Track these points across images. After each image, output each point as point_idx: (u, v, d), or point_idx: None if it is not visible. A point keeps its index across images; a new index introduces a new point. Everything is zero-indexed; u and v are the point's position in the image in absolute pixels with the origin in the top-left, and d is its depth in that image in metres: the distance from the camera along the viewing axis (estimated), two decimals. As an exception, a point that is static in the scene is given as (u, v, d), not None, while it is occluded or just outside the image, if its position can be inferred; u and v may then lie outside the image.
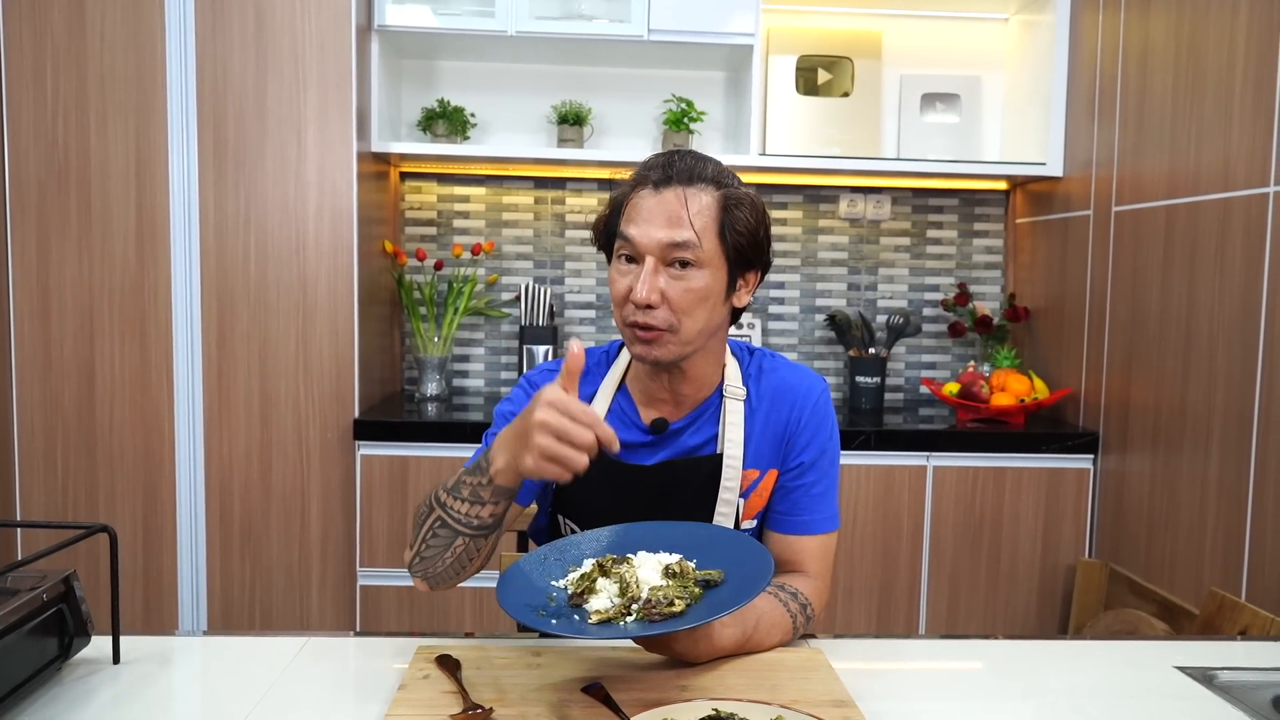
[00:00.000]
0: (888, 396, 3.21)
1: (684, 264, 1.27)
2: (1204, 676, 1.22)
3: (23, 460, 2.56)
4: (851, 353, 3.08)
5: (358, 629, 2.63)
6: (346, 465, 2.60)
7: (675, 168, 1.30)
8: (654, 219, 1.27)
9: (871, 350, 3.07)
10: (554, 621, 1.06)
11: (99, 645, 1.19)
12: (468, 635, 1.30)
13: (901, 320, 3.07)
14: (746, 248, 1.32)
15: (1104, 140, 2.64)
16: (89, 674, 1.15)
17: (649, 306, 1.27)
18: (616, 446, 1.07)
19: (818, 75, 3.02)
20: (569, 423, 1.04)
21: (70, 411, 2.56)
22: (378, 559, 2.60)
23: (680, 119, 2.97)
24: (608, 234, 1.37)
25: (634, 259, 1.30)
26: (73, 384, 2.55)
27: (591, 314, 3.18)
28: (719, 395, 1.41)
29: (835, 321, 3.11)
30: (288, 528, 2.61)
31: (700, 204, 1.28)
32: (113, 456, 2.57)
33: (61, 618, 1.12)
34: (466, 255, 3.08)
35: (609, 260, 1.38)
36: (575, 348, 1.09)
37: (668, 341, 1.29)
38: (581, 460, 1.05)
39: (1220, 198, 2.16)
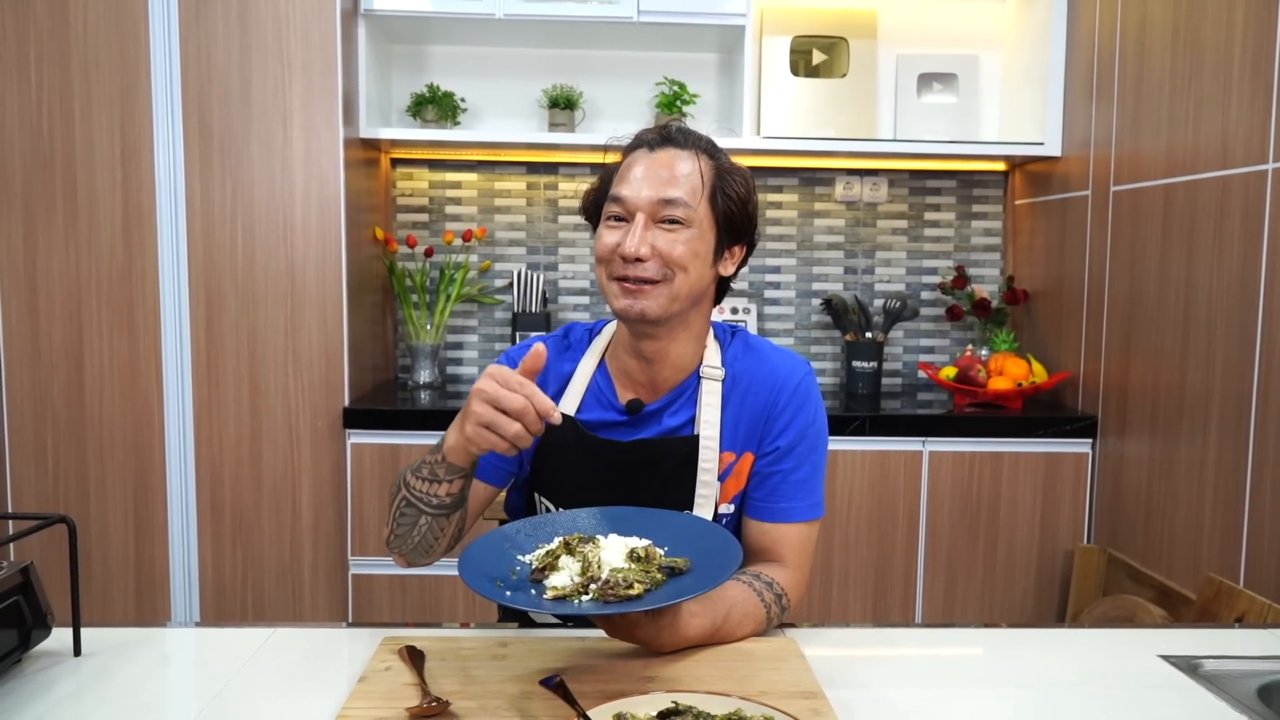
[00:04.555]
0: (884, 381, 3.17)
1: (674, 221, 1.29)
2: (1188, 666, 1.19)
3: (13, 451, 2.56)
4: (848, 337, 3.04)
5: (350, 618, 2.62)
6: (337, 454, 2.58)
7: (670, 131, 1.33)
8: (646, 178, 1.29)
9: (868, 334, 3.04)
10: (508, 594, 1.05)
11: (61, 637, 1.18)
12: (426, 624, 1.28)
13: (898, 304, 3.04)
14: (736, 216, 1.34)
15: (1102, 119, 2.60)
16: (49, 666, 1.14)
17: (638, 260, 1.27)
18: (556, 417, 1.07)
19: (812, 56, 2.98)
20: (502, 390, 1.07)
21: (59, 402, 2.55)
22: (369, 548, 2.59)
23: (673, 101, 2.93)
24: (597, 203, 1.37)
25: (623, 218, 1.30)
26: (61, 374, 2.54)
27: (585, 300, 3.15)
28: (697, 376, 1.39)
29: (831, 306, 3.08)
30: (279, 517, 2.59)
31: (694, 166, 1.31)
32: (103, 447, 2.56)
33: (19, 609, 1.11)
34: (458, 242, 3.06)
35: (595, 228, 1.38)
36: (540, 348, 1.12)
37: (658, 294, 1.29)
38: (512, 426, 1.06)
39: (1218, 175, 2.12)
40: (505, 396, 1.06)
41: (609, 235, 1.31)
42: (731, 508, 1.39)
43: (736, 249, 1.38)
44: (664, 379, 1.38)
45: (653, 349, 1.35)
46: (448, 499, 1.19)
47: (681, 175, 1.30)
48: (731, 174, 1.34)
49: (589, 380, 1.41)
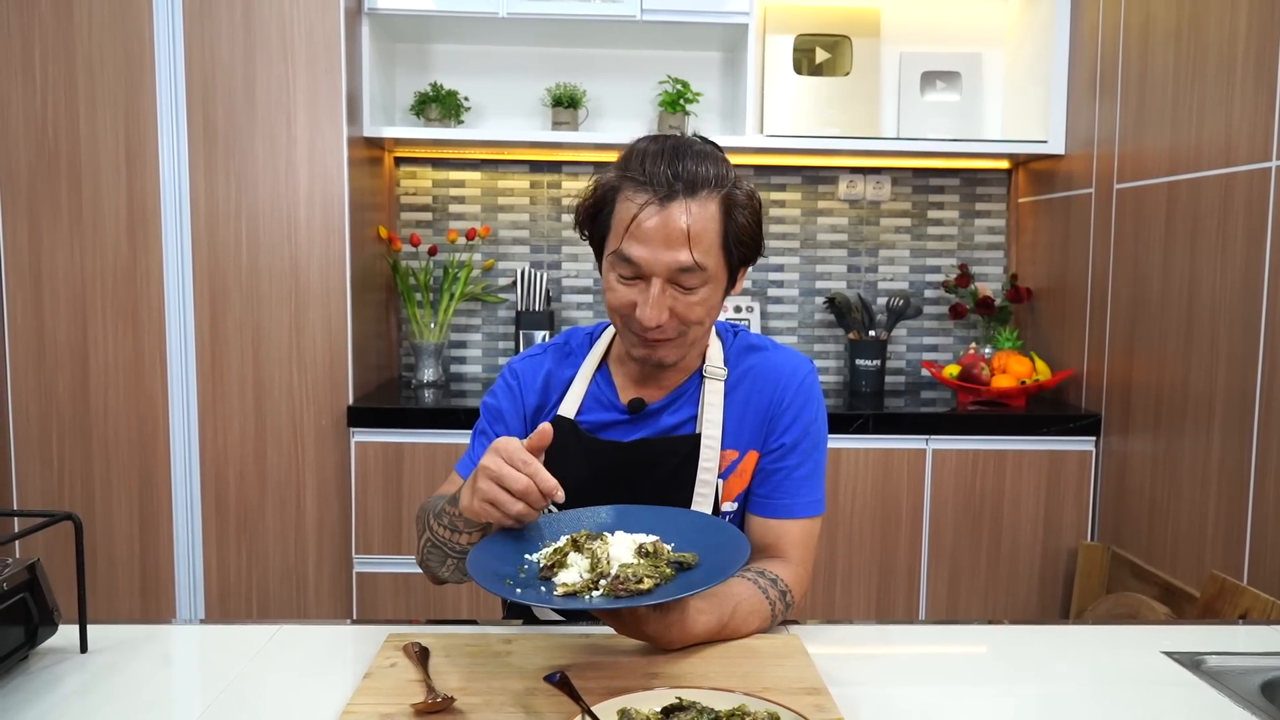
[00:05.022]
0: (888, 379, 3.17)
1: (690, 283, 1.26)
2: (1191, 662, 1.19)
3: (18, 449, 2.56)
4: (851, 336, 3.05)
5: (355, 616, 2.63)
6: (341, 452, 2.59)
7: (680, 180, 1.23)
8: (660, 240, 1.23)
9: (871, 333, 3.04)
10: (519, 591, 1.05)
11: (67, 634, 1.18)
12: (432, 621, 1.29)
13: (902, 302, 3.04)
14: (747, 247, 1.32)
15: (1105, 117, 2.60)
16: (55, 663, 1.14)
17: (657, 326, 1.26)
18: (560, 495, 1.08)
19: (815, 54, 2.98)
20: (506, 468, 1.08)
21: (65, 400, 2.56)
22: (373, 546, 2.59)
23: (676, 100, 2.93)
24: (597, 231, 1.32)
25: (636, 273, 1.27)
26: (67, 372, 2.55)
27: (588, 298, 3.15)
28: (699, 375, 1.40)
29: (835, 304, 3.08)
30: (283, 515, 2.60)
31: (705, 217, 1.24)
32: (108, 444, 2.57)
33: (26, 606, 1.11)
34: (462, 240, 3.06)
35: (594, 249, 1.35)
36: (546, 428, 1.12)
37: (676, 345, 1.30)
38: (515, 505, 1.08)
39: (1222, 173, 2.12)
40: (509, 476, 1.07)
41: (623, 291, 1.27)
42: (735, 506, 1.39)
43: (743, 270, 1.36)
44: (668, 379, 1.39)
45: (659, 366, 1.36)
46: (469, 546, 1.21)
47: (696, 232, 1.23)
48: (740, 207, 1.28)
49: (589, 382, 1.41)
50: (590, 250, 1.36)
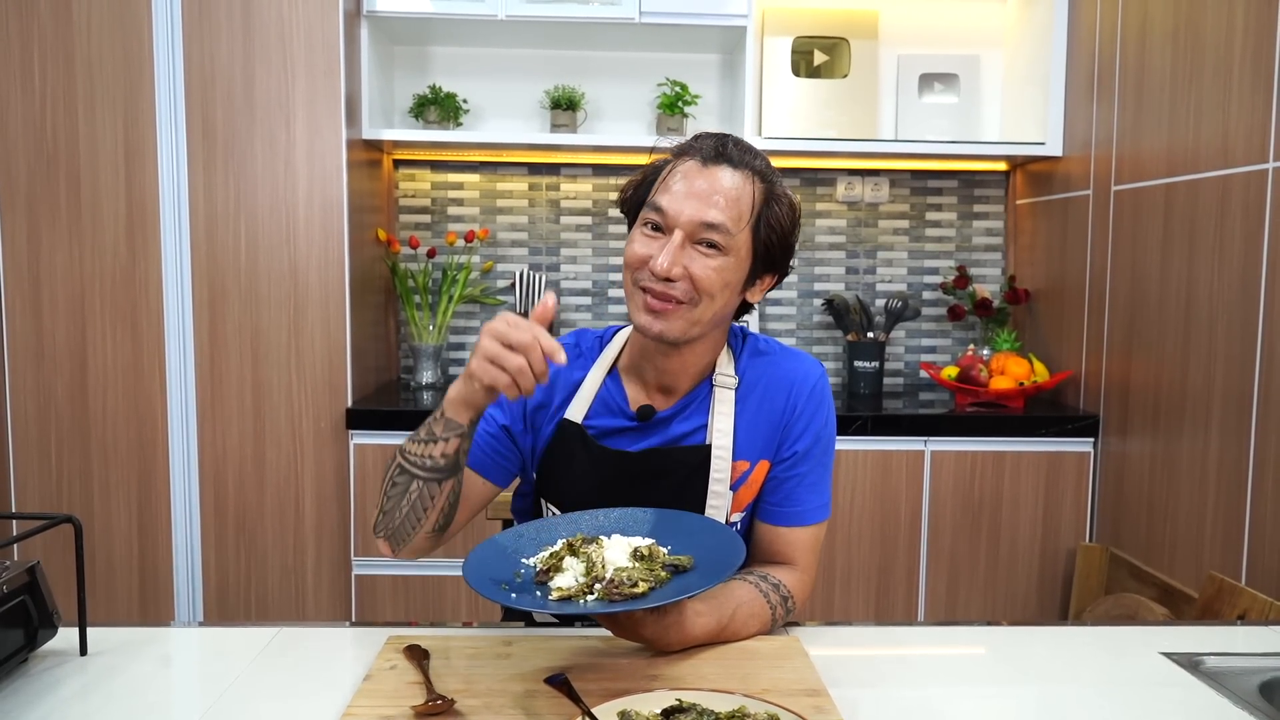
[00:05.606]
0: (886, 381, 3.18)
1: (712, 245, 1.25)
2: (1190, 663, 1.20)
3: (17, 451, 2.56)
4: (850, 337, 3.05)
5: (353, 619, 2.63)
6: (340, 454, 2.59)
7: (729, 148, 1.28)
8: (692, 194, 1.24)
9: (870, 334, 3.04)
10: (514, 595, 1.05)
11: (67, 637, 1.18)
12: (432, 624, 1.29)
13: (900, 304, 3.04)
14: (776, 246, 1.30)
15: (1103, 119, 2.60)
16: (55, 665, 1.14)
17: (668, 279, 1.24)
18: (561, 358, 1.08)
19: (813, 56, 2.98)
20: (510, 328, 1.08)
21: (63, 402, 2.56)
22: (372, 549, 2.59)
23: (674, 102, 2.94)
24: (636, 201, 1.33)
25: (660, 228, 1.26)
26: (65, 374, 2.55)
27: (587, 301, 3.15)
28: (709, 384, 1.37)
29: (833, 306, 3.08)
30: (282, 518, 2.60)
31: (743, 190, 1.26)
32: (106, 447, 2.57)
33: (25, 609, 1.11)
34: (460, 242, 3.06)
35: (631, 220, 1.35)
36: (550, 300, 1.13)
37: (680, 316, 1.26)
38: (515, 359, 1.07)
39: (1219, 175, 2.12)
40: (512, 332, 1.08)
41: (641, 244, 1.27)
42: (744, 515, 1.38)
43: (768, 278, 1.35)
44: (678, 382, 1.36)
45: (669, 359, 1.34)
46: (442, 460, 1.17)
47: (729, 198, 1.25)
48: (779, 201, 1.29)
49: (598, 387, 1.39)
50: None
